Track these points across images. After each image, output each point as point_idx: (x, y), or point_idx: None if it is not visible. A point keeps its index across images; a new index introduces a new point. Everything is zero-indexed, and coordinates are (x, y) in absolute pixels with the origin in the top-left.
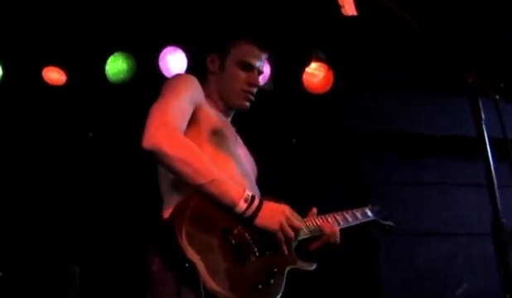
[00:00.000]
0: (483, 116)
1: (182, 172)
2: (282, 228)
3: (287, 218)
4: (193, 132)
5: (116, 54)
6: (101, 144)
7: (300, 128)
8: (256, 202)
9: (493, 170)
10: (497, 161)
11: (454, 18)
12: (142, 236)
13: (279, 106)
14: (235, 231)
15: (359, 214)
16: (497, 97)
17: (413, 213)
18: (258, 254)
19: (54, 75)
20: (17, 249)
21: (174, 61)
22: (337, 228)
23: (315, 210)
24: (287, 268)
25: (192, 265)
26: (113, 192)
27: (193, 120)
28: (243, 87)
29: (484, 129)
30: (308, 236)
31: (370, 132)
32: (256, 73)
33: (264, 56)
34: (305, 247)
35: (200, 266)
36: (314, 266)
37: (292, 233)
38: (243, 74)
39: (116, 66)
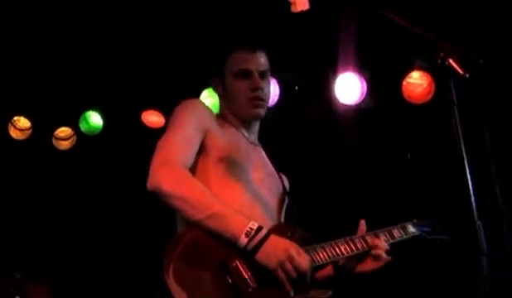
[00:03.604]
0: (455, 100)
1: (181, 209)
2: (282, 267)
3: (290, 257)
4: (201, 160)
5: (210, 88)
6: None
7: (414, 142)
8: (259, 236)
9: (466, 162)
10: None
11: None
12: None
13: (386, 121)
14: (233, 263)
15: (396, 232)
16: (467, 76)
17: None
18: (256, 286)
19: (153, 118)
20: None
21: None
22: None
23: (363, 225)
24: None
25: None
26: None
27: (202, 147)
28: (248, 95)
29: (456, 115)
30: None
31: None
32: (256, 76)
33: (260, 55)
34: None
35: None
36: (329, 294)
37: (293, 273)
38: (242, 84)
39: (211, 101)
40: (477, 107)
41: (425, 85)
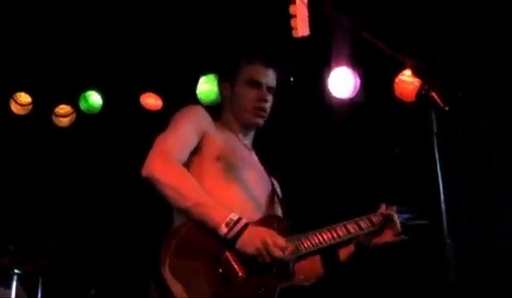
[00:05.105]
0: (435, 129)
1: (169, 196)
2: (259, 254)
3: (266, 244)
4: (197, 160)
5: (208, 75)
6: None
7: (402, 137)
8: (238, 226)
9: (441, 186)
10: None
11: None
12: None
13: (378, 116)
14: (224, 255)
15: (376, 219)
16: (447, 108)
17: None
18: (245, 275)
19: (151, 101)
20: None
21: None
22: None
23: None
24: (279, 287)
25: (172, 293)
26: None
27: (198, 147)
28: (254, 104)
29: (435, 143)
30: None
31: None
32: (264, 89)
33: (271, 72)
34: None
35: (180, 294)
36: (312, 282)
37: (268, 259)
38: (251, 92)
39: (207, 87)
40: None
41: (417, 83)
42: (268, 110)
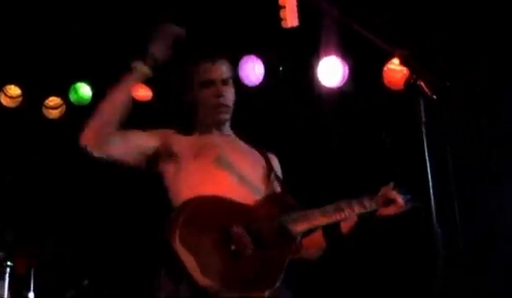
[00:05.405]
0: (423, 118)
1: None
2: None
3: None
4: (177, 167)
5: None
6: None
7: (390, 124)
8: None
9: (429, 175)
10: None
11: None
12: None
13: (366, 105)
14: (233, 228)
15: (367, 202)
16: (435, 97)
17: None
18: (254, 249)
19: (141, 92)
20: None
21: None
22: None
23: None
24: (287, 259)
25: (184, 265)
26: None
27: (172, 155)
28: (212, 102)
29: (423, 132)
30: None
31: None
32: (218, 84)
33: (220, 63)
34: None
35: (192, 265)
36: (319, 254)
37: None
38: (207, 92)
39: None
40: (442, 125)
41: (405, 72)
42: (230, 102)
